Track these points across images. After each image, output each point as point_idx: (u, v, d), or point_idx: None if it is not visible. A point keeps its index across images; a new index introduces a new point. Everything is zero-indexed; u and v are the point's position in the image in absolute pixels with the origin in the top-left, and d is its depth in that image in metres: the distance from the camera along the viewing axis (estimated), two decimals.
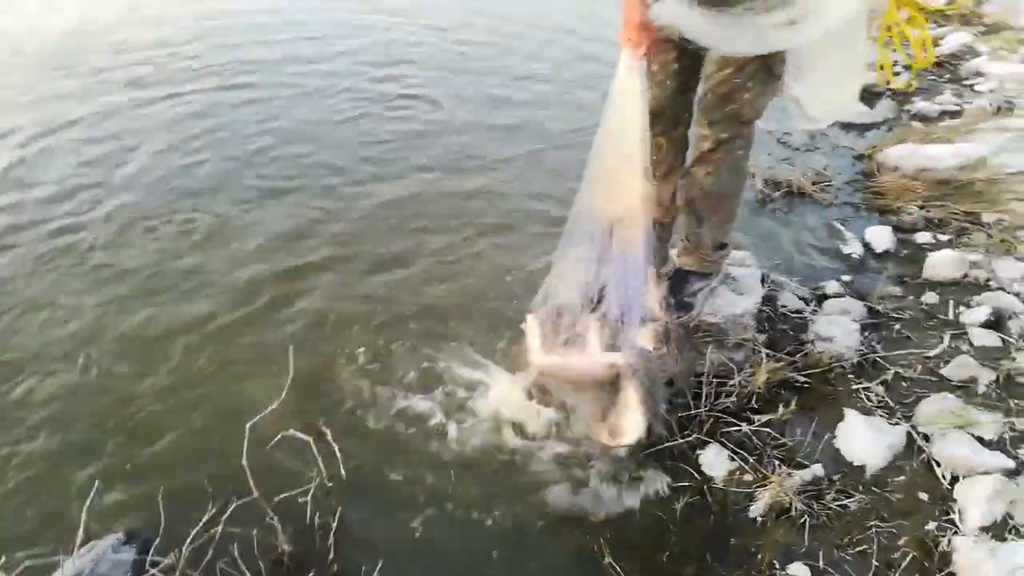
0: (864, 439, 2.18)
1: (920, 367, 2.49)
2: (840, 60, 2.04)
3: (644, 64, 2.02)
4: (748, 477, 2.10)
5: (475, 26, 6.24)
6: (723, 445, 2.20)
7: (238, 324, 2.65)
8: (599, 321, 2.23)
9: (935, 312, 2.76)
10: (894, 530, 1.94)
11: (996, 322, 2.66)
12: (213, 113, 4.38)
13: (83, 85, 4.74)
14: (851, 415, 2.26)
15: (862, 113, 4.64)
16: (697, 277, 2.57)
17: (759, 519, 1.99)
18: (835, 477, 2.11)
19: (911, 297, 2.87)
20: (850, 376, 2.46)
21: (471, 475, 2.11)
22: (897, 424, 2.23)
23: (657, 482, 2.10)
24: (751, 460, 2.14)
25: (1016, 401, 2.31)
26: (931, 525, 1.94)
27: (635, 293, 2.17)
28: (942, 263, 2.97)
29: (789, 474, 2.09)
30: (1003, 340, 2.58)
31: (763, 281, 2.80)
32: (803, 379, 2.42)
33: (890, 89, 5.03)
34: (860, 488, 2.07)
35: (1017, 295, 2.78)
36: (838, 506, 2.01)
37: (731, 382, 2.38)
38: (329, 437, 2.07)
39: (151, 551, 1.80)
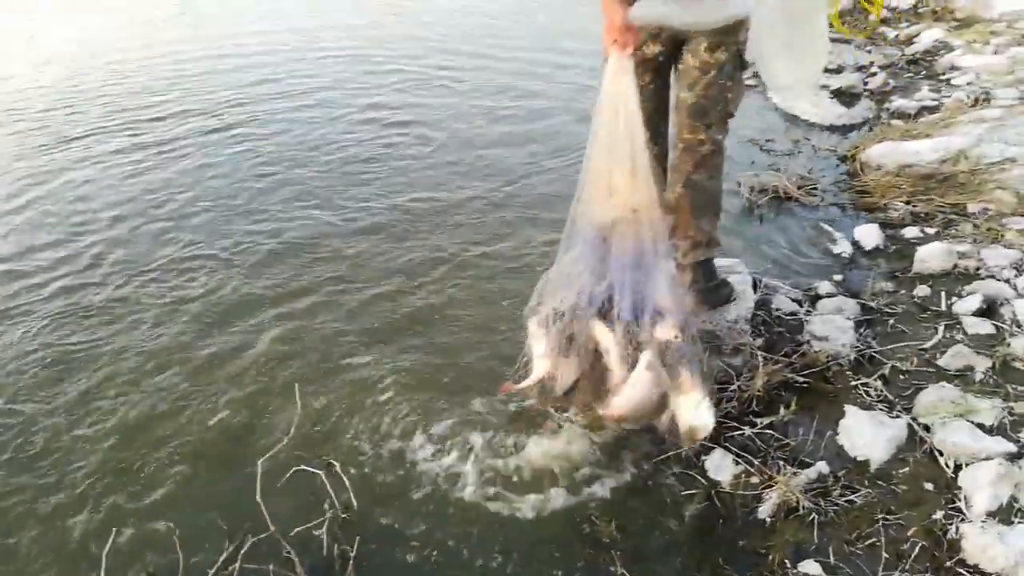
0: (866, 434, 2.20)
1: (916, 359, 2.53)
2: (800, 35, 2.26)
3: (632, 63, 2.07)
4: (754, 479, 2.13)
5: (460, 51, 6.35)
6: (727, 450, 2.22)
7: (244, 364, 2.68)
8: (612, 326, 2.19)
9: (927, 304, 2.81)
10: (902, 521, 1.96)
11: (988, 310, 2.70)
12: (203, 155, 4.45)
13: (76, 135, 4.82)
14: (852, 411, 2.29)
15: (842, 115, 4.73)
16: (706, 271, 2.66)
17: (768, 520, 2.01)
18: (840, 473, 2.13)
19: (903, 291, 2.91)
20: (848, 373, 2.49)
21: (483, 500, 2.13)
22: (897, 417, 2.26)
23: (665, 490, 2.12)
24: (756, 462, 2.17)
25: (1013, 386, 2.34)
26: (938, 514, 1.96)
27: (649, 291, 2.15)
28: (931, 256, 3.01)
29: (794, 474, 2.11)
30: (996, 327, 2.61)
31: (755, 286, 2.85)
32: (802, 379, 2.45)
33: (867, 86, 5.12)
34: (865, 482, 2.09)
35: (1007, 282, 2.83)
36: (845, 502, 2.03)
37: (731, 387, 2.41)
38: (339, 469, 2.10)
39: None
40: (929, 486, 2.06)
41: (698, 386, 2.08)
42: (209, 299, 3.06)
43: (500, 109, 5.19)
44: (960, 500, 1.98)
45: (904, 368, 2.49)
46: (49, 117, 5.31)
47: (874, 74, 5.49)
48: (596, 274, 2.20)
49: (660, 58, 2.41)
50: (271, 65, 6.39)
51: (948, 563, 1.83)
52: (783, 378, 2.45)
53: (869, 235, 3.28)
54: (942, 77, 5.25)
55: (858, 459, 2.17)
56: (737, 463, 2.18)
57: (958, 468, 2.07)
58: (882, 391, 2.40)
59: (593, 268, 2.20)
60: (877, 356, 2.56)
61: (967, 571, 1.80)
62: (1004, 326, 2.61)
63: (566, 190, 3.60)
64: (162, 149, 4.62)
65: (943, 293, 2.83)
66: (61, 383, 2.61)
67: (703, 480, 2.16)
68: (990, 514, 1.92)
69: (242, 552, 1.88)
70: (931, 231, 3.29)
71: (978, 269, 2.94)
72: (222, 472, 2.23)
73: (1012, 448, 2.08)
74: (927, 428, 2.21)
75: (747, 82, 2.62)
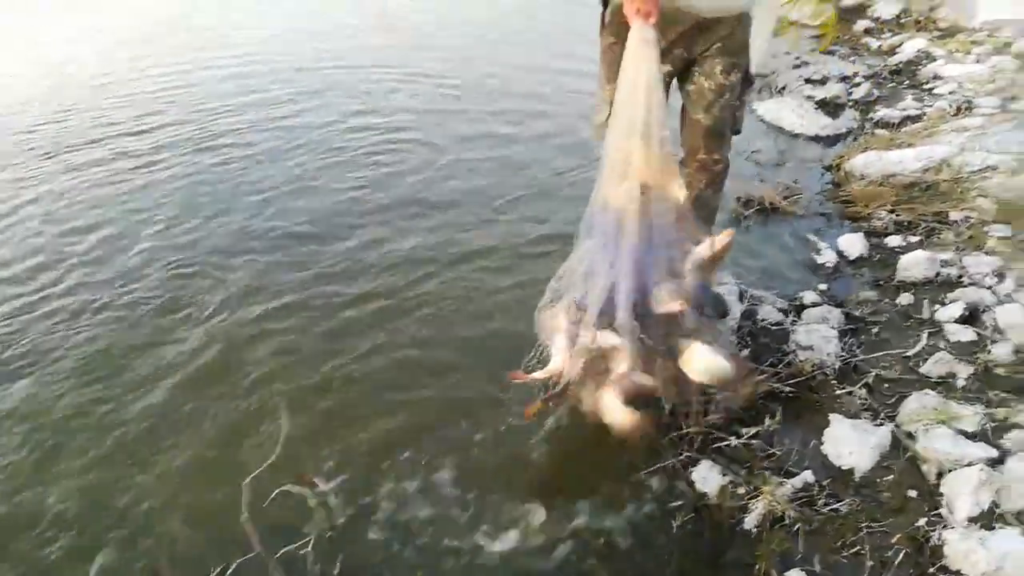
0: (851, 442, 2.22)
1: (900, 367, 2.55)
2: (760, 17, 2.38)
3: (656, 33, 2.04)
4: (741, 490, 2.14)
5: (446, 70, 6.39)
6: (714, 461, 2.23)
7: (230, 381, 2.67)
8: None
9: (911, 312, 2.83)
10: (886, 529, 1.98)
11: (970, 317, 2.73)
12: (194, 177, 4.43)
13: (60, 160, 4.81)
14: (836, 420, 2.31)
15: (827, 125, 4.78)
16: None
17: (754, 530, 2.02)
18: (825, 482, 2.14)
19: (887, 300, 2.94)
20: (833, 382, 2.51)
21: (469, 513, 2.14)
22: (881, 425, 2.28)
23: (652, 503, 2.14)
24: (742, 473, 2.18)
25: (995, 392, 2.36)
26: (921, 521, 1.98)
27: (658, 268, 2.14)
28: (914, 264, 3.04)
29: (780, 483, 2.13)
30: (978, 334, 2.64)
31: (741, 297, 2.88)
32: (788, 389, 2.47)
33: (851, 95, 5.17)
34: (850, 491, 2.12)
35: (988, 289, 2.85)
36: (830, 510, 2.05)
37: (717, 397, 2.42)
38: (323, 488, 2.11)
39: None
40: (913, 493, 2.08)
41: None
42: (194, 315, 3.04)
43: (499, 120, 5.23)
44: (943, 506, 2.00)
45: (888, 376, 2.52)
46: (35, 129, 5.31)
47: (858, 84, 5.54)
48: (612, 263, 2.15)
49: (667, 78, 2.39)
50: (258, 76, 6.40)
51: (931, 569, 1.85)
52: (769, 388, 2.47)
53: (853, 244, 3.31)
54: (925, 87, 5.31)
55: (843, 468, 2.19)
56: (724, 474, 2.19)
57: (941, 475, 2.09)
58: (866, 399, 2.42)
59: (609, 256, 2.15)
60: (861, 365, 2.58)
61: None
62: (986, 333, 2.63)
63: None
64: (148, 161, 4.59)
65: (926, 301, 2.86)
66: (42, 401, 2.61)
67: (690, 492, 2.17)
68: (972, 520, 1.94)
69: (228, 574, 1.88)
70: (914, 239, 3.32)
71: (960, 277, 2.97)
72: (207, 493, 2.22)
73: (993, 454, 2.10)
74: (910, 435, 2.23)
75: None
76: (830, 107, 5.14)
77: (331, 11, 9.30)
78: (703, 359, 2.11)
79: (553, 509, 2.13)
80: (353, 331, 2.93)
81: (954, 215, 3.41)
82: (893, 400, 2.40)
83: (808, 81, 5.66)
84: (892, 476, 2.14)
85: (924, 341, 2.65)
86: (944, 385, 2.43)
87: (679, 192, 2.11)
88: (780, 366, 2.55)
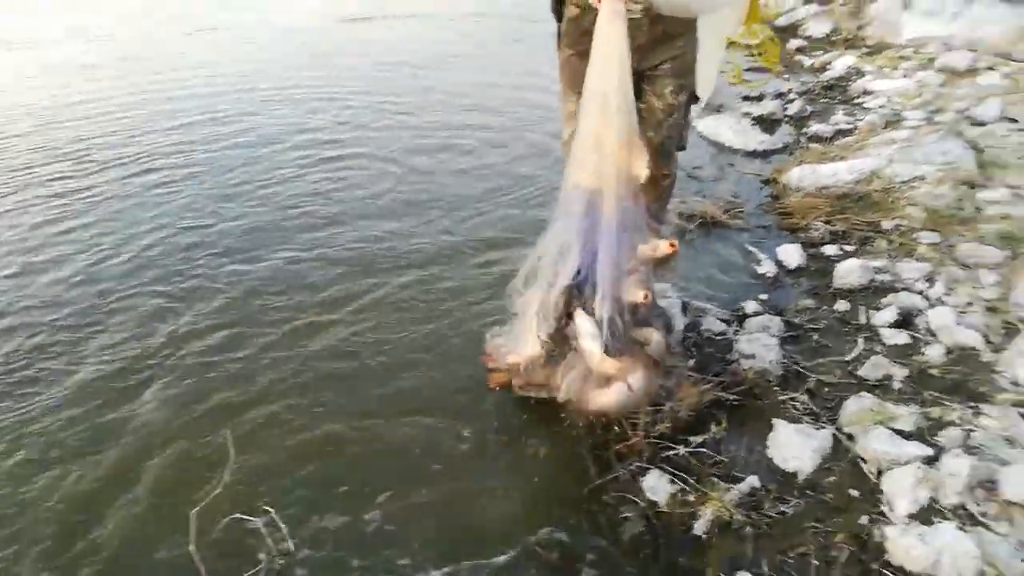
0: (794, 446, 2.28)
1: (839, 372, 2.63)
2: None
3: (624, 8, 2.07)
4: (690, 497, 2.17)
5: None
6: (663, 470, 2.26)
7: (173, 409, 2.61)
8: (581, 299, 2.22)
9: (848, 318, 2.92)
10: (830, 529, 2.03)
11: (904, 321, 2.83)
12: (136, 199, 4.37)
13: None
14: (780, 425, 2.36)
15: (764, 141, 4.92)
16: None
17: (703, 536, 2.05)
18: (771, 486, 2.19)
19: (824, 307, 3.03)
20: (776, 388, 2.57)
21: (421, 536, 2.12)
22: (823, 428, 2.35)
23: (603, 515, 2.15)
24: (691, 480, 2.22)
25: (929, 392, 2.45)
26: (864, 519, 2.03)
27: (621, 253, 2.17)
28: (849, 272, 3.14)
29: (728, 489, 2.17)
30: (912, 337, 2.74)
31: (684, 309, 2.93)
32: (732, 397, 2.52)
33: (787, 111, 5.34)
34: (795, 493, 2.17)
35: (920, 293, 2.96)
36: (776, 513, 2.09)
37: (665, 408, 2.46)
38: (275, 515, 2.08)
39: None
40: (855, 493, 2.13)
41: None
42: (133, 347, 2.97)
43: (453, 141, 5.27)
44: (884, 504, 2.06)
45: (828, 381, 2.59)
46: None
47: (792, 101, 5.73)
48: (583, 243, 2.19)
49: None
50: (204, 96, 6.38)
51: (874, 566, 1.90)
52: (714, 397, 2.51)
53: (791, 255, 3.41)
54: (855, 101, 5.51)
55: (787, 471, 2.25)
56: (673, 482, 2.22)
57: (880, 474, 2.16)
58: (808, 404, 2.48)
59: (580, 237, 2.19)
60: (803, 371, 2.65)
61: (892, 573, 1.87)
62: (919, 335, 2.73)
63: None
64: (89, 193, 4.51)
65: (862, 307, 2.95)
66: None
67: (640, 502, 2.19)
68: (911, 516, 2.00)
69: None
70: (849, 248, 3.43)
71: (893, 282, 3.08)
72: (155, 525, 2.17)
73: (929, 452, 2.18)
74: (851, 437, 2.30)
75: None
76: (766, 123, 5.29)
77: (279, 34, 9.31)
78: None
79: (505, 528, 2.12)
80: (303, 357, 2.89)
81: (886, 224, 3.53)
82: (833, 404, 2.47)
83: (745, 98, 5.84)
84: (835, 477, 2.20)
85: (861, 346, 2.74)
86: (881, 387, 2.51)
87: (642, 170, 2.15)
88: (725, 375, 2.61)
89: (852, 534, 2.00)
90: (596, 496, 2.22)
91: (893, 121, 4.80)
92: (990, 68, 5.39)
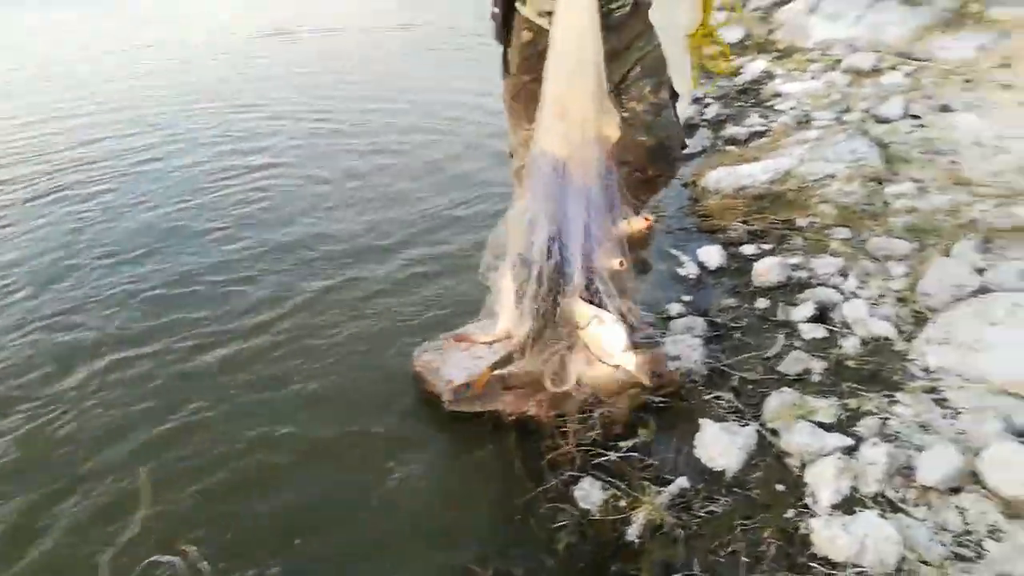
0: (720, 444, 2.31)
1: (761, 368, 2.68)
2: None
3: None
4: (622, 503, 2.18)
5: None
6: (595, 477, 2.27)
7: (74, 443, 2.51)
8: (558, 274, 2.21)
9: (768, 315, 2.99)
10: (758, 524, 2.05)
11: (820, 315, 2.90)
12: (45, 231, 4.19)
13: None
14: (706, 424, 2.39)
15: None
16: None
17: (636, 541, 2.05)
18: (700, 486, 2.21)
19: (745, 305, 3.09)
20: (701, 388, 2.61)
21: (351, 567, 2.07)
22: (747, 425, 2.39)
23: (536, 525, 2.14)
24: (623, 486, 2.23)
25: (847, 384, 2.52)
26: (790, 512, 2.07)
27: (593, 220, 2.15)
28: (767, 270, 3.22)
29: (658, 492, 2.18)
30: (829, 331, 2.81)
31: None
32: (659, 399, 2.54)
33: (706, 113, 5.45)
34: (723, 492, 2.19)
35: (835, 288, 3.05)
36: (706, 513, 2.11)
37: (594, 415, 2.47)
38: (196, 553, 1.99)
39: None
40: (780, 487, 2.17)
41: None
42: (40, 380, 2.85)
43: (387, 146, 5.28)
44: (808, 497, 2.10)
45: (751, 378, 2.64)
46: None
47: (708, 105, 5.86)
48: (551, 214, 2.16)
49: None
50: (118, 122, 6.17)
51: (801, 559, 1.93)
52: (642, 401, 2.53)
53: (712, 255, 3.47)
54: (768, 104, 5.66)
55: (715, 470, 2.27)
56: (605, 489, 2.23)
57: (804, 467, 2.20)
58: (733, 402, 2.53)
59: (547, 208, 2.16)
60: (726, 369, 2.69)
61: (818, 563, 1.90)
62: (835, 329, 2.81)
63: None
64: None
65: (780, 304, 3.02)
66: None
67: (573, 510, 2.18)
68: (835, 507, 2.05)
69: None
70: (767, 247, 3.51)
71: (809, 278, 3.17)
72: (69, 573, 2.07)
73: (850, 442, 2.23)
74: (774, 432, 2.35)
75: None
76: (684, 128, 5.38)
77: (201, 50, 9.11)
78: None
79: (436, 550, 2.10)
80: (227, 378, 2.82)
81: (801, 221, 3.64)
82: (757, 400, 2.52)
83: None
84: (761, 473, 2.23)
85: (781, 341, 2.80)
86: (801, 381, 2.57)
87: (613, 132, 2.12)
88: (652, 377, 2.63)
89: (779, 528, 2.03)
90: (530, 508, 2.21)
91: (804, 122, 4.95)
92: (893, 68, 5.61)
